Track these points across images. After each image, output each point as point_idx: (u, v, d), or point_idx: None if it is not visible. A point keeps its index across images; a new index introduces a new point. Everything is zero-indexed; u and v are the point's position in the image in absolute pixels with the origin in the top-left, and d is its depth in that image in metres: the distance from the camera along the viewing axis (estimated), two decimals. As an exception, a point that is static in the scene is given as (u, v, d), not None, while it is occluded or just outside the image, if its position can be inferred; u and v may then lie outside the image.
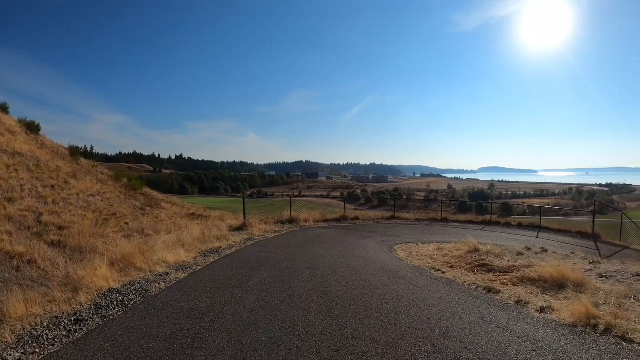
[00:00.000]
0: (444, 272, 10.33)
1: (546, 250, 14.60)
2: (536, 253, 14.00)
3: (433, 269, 10.86)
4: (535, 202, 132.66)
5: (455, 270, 10.55)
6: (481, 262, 10.83)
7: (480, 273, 10.07)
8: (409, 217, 27.47)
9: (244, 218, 20.28)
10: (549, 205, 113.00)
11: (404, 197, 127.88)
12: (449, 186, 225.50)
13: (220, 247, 13.74)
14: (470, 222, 26.12)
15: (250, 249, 13.66)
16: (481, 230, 22.11)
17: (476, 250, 12.23)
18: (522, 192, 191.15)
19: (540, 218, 25.16)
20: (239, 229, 18.87)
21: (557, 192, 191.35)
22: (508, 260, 10.97)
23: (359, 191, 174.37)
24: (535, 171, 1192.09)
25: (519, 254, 13.15)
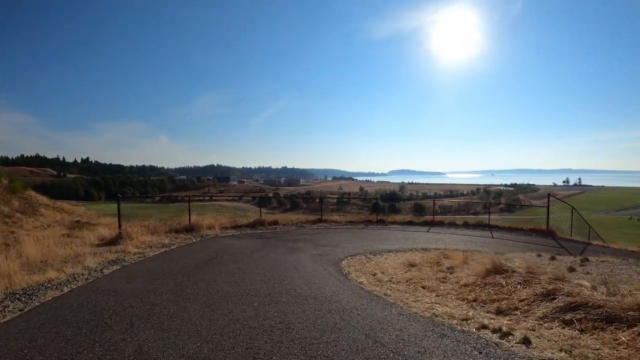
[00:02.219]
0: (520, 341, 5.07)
1: (588, 260, 10.67)
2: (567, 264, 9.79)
3: (481, 326, 5.66)
4: (446, 201, 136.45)
5: (535, 330, 5.46)
6: (571, 302, 5.87)
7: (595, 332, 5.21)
8: (339, 220, 22.61)
9: (119, 227, 14.54)
10: (459, 204, 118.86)
11: (317, 200, 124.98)
12: (361, 188, 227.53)
13: (52, 280, 8.16)
14: (411, 223, 22.04)
15: (101, 285, 8.01)
16: (428, 232, 18.70)
17: (501, 269, 7.64)
18: (432, 193, 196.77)
19: (489, 217, 22.55)
20: (112, 242, 13.23)
21: (465, 192, 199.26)
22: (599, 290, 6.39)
23: (271, 194, 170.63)
24: (444, 173, 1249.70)
25: (567, 270, 8.71)
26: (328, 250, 12.39)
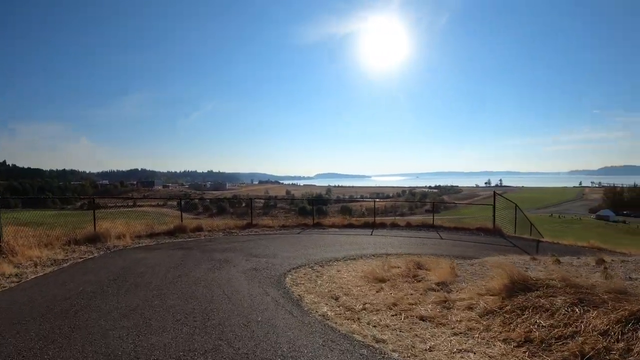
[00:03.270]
0: None
1: (559, 261, 8.82)
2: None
3: None
4: (372, 204, 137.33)
5: None
6: None
7: None
8: (271, 224, 20.09)
9: (-2, 240, 11.27)
10: (385, 206, 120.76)
11: (243, 204, 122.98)
12: (287, 192, 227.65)
13: None
14: (351, 225, 20.02)
15: None
16: (371, 235, 16.97)
17: (527, 283, 5.61)
18: (358, 195, 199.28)
19: (433, 217, 21.12)
20: (-13, 259, 10.01)
21: (391, 194, 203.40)
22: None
23: (197, 199, 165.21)
24: (369, 176, 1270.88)
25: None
26: (265, 263, 9.95)
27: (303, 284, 7.98)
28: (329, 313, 6.09)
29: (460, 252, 12.91)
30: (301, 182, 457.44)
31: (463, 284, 6.87)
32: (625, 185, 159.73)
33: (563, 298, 5.02)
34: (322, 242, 13.96)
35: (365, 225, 20.02)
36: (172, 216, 21.51)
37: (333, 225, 19.81)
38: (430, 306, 5.97)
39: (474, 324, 5.16)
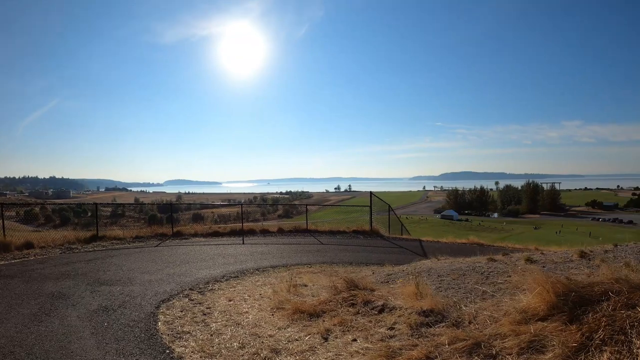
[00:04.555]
0: None
1: (532, 260, 6.97)
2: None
3: None
4: (224, 210, 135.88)
5: None
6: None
7: None
8: (122, 235, 16.15)
9: None
10: (237, 213, 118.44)
11: (89, 214, 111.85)
12: (136, 199, 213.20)
13: None
14: (217, 233, 17.03)
15: None
16: (244, 243, 14.57)
17: (577, 297, 3.36)
18: (210, 202, 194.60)
19: (307, 220, 19.15)
20: None
21: (243, 200, 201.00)
22: None
23: (37, 209, 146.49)
24: (220, 183, 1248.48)
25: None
26: (120, 294, 6.83)
27: (189, 332, 5.11)
28: None
29: (365, 259, 11.60)
30: (150, 189, 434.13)
31: (466, 307, 4.57)
32: (466, 189, 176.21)
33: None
34: (188, 256, 11.03)
35: (233, 233, 17.34)
36: (9, 229, 16.72)
37: (196, 234, 16.86)
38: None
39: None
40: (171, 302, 6.42)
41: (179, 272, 8.75)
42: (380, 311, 4.95)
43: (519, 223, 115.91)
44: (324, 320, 4.98)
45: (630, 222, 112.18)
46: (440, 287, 5.75)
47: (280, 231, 18.19)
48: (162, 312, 5.87)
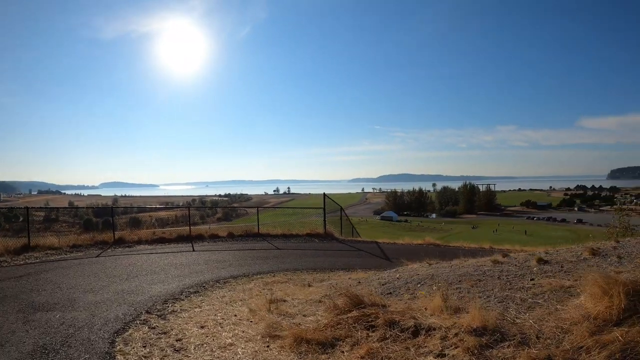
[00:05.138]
0: None
1: (544, 260, 6.12)
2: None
3: None
4: (163, 214, 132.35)
5: None
6: None
7: None
8: (57, 244, 14.29)
9: None
10: (176, 216, 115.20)
11: (21, 219, 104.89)
12: (71, 203, 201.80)
13: None
14: (163, 239, 15.41)
15: None
16: (194, 251, 13.20)
17: None
18: (147, 206, 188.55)
19: (258, 224, 18.02)
20: None
21: (181, 203, 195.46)
22: None
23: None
24: (157, 185, 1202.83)
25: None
26: (60, 325, 5.40)
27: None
28: None
29: (329, 264, 11.14)
30: (85, 192, 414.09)
31: (519, 320, 3.76)
32: (405, 190, 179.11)
33: None
34: (136, 268, 9.63)
35: (180, 239, 15.89)
36: None
37: (140, 241, 15.31)
38: None
39: None
40: (128, 333, 5.11)
41: (128, 289, 7.44)
42: (415, 334, 3.90)
43: (457, 223, 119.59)
44: (343, 351, 3.89)
45: (564, 220, 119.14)
46: (462, 296, 4.90)
47: (231, 236, 17.00)
48: (120, 351, 4.54)
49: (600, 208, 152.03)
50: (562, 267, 5.56)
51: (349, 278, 8.15)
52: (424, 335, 3.84)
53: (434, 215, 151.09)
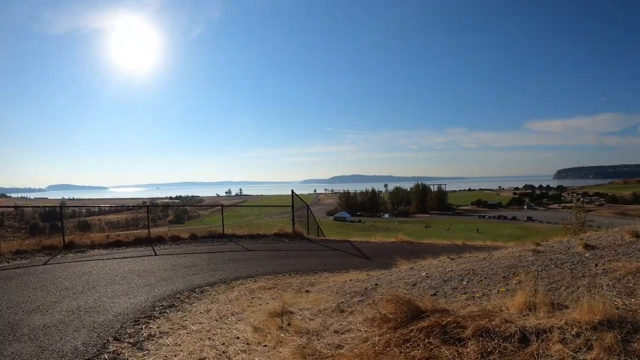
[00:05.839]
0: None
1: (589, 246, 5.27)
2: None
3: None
4: (112, 217, 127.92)
5: None
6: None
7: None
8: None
9: None
10: (127, 219, 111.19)
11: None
12: (16, 206, 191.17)
13: None
14: (120, 243, 13.61)
15: None
16: (155, 255, 11.58)
17: None
18: (97, 209, 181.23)
19: (223, 224, 16.52)
20: None
21: (131, 206, 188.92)
22: None
23: None
24: (107, 188, 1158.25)
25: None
26: None
27: None
28: None
29: (311, 265, 10.23)
30: (32, 195, 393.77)
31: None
32: (357, 191, 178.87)
33: None
34: (93, 278, 7.99)
35: (139, 242, 14.14)
36: None
37: (94, 245, 13.52)
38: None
39: None
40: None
41: (86, 306, 5.89)
42: (523, 341, 2.82)
43: (410, 222, 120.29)
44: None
45: (514, 218, 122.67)
46: (534, 290, 3.73)
47: (194, 237, 15.47)
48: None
49: (549, 206, 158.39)
50: (615, 250, 4.84)
51: (349, 280, 6.97)
52: (537, 341, 2.81)
53: (386, 215, 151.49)
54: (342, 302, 5.08)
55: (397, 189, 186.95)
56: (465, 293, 4.55)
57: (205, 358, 3.88)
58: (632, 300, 3.22)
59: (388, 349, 3.16)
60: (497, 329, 2.98)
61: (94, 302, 6.12)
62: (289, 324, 4.28)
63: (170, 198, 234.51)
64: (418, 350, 3.02)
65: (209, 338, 4.41)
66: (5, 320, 5.18)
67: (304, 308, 4.96)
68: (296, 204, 18.31)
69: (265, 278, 8.43)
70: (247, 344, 4.08)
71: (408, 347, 3.10)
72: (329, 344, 3.59)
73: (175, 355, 4.00)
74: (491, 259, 5.92)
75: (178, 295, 6.68)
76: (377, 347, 3.23)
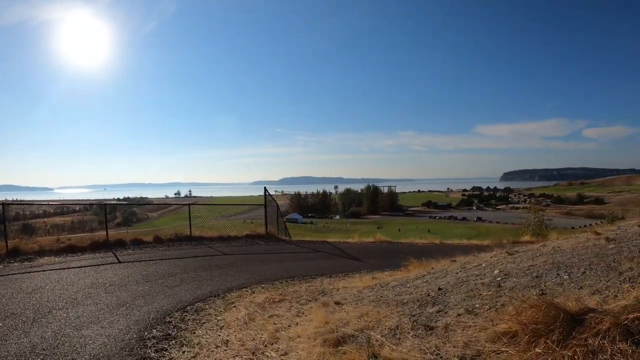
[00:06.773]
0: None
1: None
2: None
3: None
4: (58, 220, 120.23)
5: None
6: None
7: None
8: None
9: None
10: (73, 222, 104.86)
11: None
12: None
13: None
14: (73, 248, 11.33)
15: None
16: (120, 262, 9.68)
17: None
18: (42, 211, 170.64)
19: (190, 227, 14.93)
20: None
21: (77, 208, 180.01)
22: None
23: None
24: (51, 189, 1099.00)
25: None
26: None
27: None
28: None
29: (305, 269, 9.17)
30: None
31: None
32: (308, 192, 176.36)
33: None
34: (47, 296, 6.07)
35: (96, 246, 12.01)
36: None
37: (43, 251, 11.28)
38: None
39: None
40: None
41: (43, 344, 4.03)
42: None
43: (362, 223, 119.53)
44: None
45: (464, 218, 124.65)
46: None
47: (159, 240, 13.57)
48: None
49: (497, 207, 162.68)
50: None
51: (369, 285, 5.57)
52: None
53: (337, 217, 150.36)
54: (414, 316, 3.63)
55: (347, 191, 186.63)
56: (581, 287, 3.44)
57: None
58: None
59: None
60: None
61: (53, 337, 4.27)
62: (375, 356, 2.74)
63: (118, 199, 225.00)
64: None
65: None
66: None
67: (363, 328, 3.45)
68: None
69: (262, 288, 6.86)
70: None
71: None
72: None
73: None
74: (564, 252, 4.83)
75: (168, 319, 4.97)
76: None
